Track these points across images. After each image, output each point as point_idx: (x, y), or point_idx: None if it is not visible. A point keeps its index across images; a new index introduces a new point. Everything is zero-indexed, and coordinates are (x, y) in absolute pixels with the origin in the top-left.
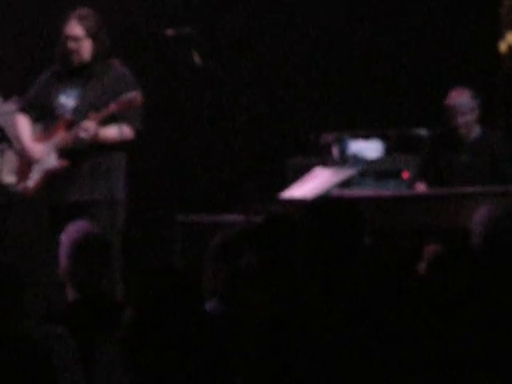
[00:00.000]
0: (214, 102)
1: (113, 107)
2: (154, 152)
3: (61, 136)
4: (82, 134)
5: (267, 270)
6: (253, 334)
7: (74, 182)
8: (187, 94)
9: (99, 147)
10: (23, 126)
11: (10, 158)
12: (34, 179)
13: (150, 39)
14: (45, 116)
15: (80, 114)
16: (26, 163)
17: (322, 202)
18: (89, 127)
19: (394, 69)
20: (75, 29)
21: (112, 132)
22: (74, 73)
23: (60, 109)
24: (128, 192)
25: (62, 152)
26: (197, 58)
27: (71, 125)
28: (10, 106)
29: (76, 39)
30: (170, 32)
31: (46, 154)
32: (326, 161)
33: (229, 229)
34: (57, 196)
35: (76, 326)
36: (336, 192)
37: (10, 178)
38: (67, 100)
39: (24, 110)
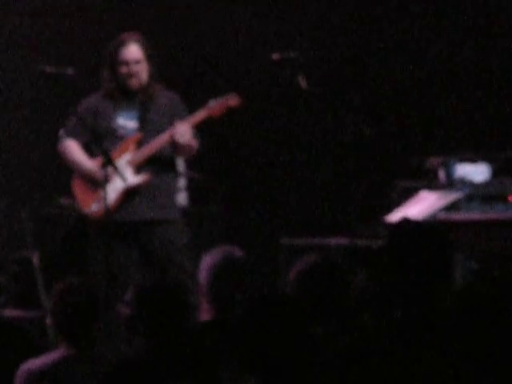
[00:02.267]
0: (319, 126)
1: (209, 111)
2: (259, 175)
3: (133, 153)
4: (180, 139)
5: (384, 294)
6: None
7: (149, 199)
8: (293, 118)
9: (171, 161)
10: (78, 151)
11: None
12: (110, 199)
13: (256, 63)
14: (98, 139)
15: (144, 134)
16: (91, 185)
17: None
18: (185, 131)
19: (501, 92)
20: (137, 52)
21: (195, 142)
22: (128, 95)
23: (121, 130)
24: (234, 215)
25: (138, 168)
26: (303, 82)
27: (140, 142)
28: None
29: (138, 62)
30: (275, 56)
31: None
32: (432, 184)
33: (311, 255)
34: (129, 213)
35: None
36: (442, 215)
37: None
38: (126, 122)
39: (71, 135)
